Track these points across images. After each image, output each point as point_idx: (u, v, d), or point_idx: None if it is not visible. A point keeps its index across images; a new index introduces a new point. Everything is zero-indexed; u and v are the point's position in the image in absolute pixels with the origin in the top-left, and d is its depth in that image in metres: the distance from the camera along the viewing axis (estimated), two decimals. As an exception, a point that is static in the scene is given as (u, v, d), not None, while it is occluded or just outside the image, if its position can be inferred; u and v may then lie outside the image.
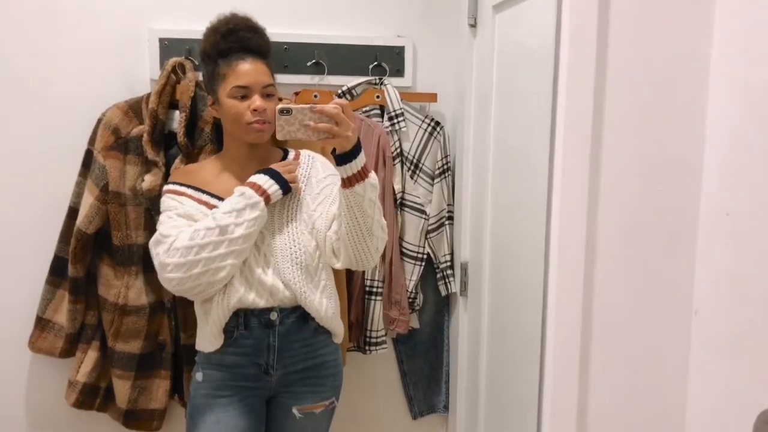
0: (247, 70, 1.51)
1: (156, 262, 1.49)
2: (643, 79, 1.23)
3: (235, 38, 1.52)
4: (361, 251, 1.50)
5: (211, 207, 1.52)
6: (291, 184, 1.53)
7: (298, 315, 1.55)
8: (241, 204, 1.46)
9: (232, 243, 1.45)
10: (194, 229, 1.46)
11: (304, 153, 1.65)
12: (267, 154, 1.61)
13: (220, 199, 1.52)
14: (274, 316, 1.52)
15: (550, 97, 1.33)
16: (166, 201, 1.56)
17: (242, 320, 1.52)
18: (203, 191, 1.55)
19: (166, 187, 1.59)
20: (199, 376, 1.57)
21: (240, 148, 1.57)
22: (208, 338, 1.54)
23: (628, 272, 1.27)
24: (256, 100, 1.50)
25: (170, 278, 1.46)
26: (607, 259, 1.27)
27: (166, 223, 1.51)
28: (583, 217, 1.26)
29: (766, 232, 1.03)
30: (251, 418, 1.55)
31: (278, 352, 1.54)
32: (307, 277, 1.54)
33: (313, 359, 1.59)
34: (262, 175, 1.51)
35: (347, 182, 1.41)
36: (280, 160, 1.62)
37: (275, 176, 1.52)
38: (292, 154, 1.64)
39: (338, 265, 1.55)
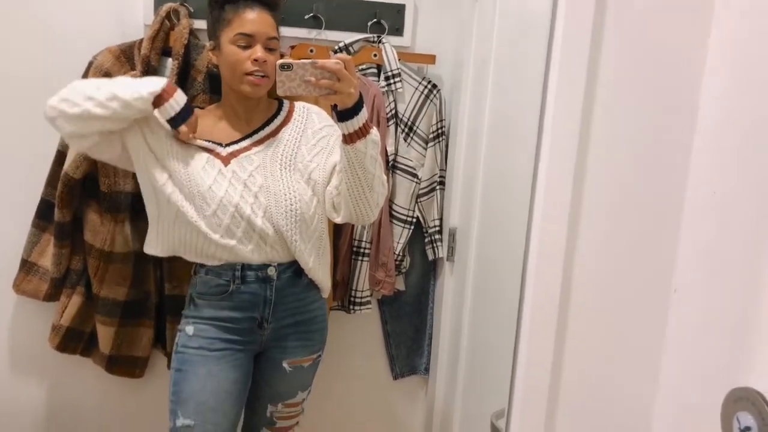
0: (254, 18, 1.49)
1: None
2: (639, 52, 1.22)
3: None
4: (362, 206, 1.50)
5: (210, 151, 1.52)
6: (182, 127, 1.47)
7: (294, 270, 1.56)
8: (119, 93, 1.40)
9: (94, 118, 1.40)
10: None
11: (299, 105, 1.64)
12: (263, 105, 1.60)
13: (219, 144, 1.53)
14: (272, 271, 1.53)
15: (543, 65, 1.32)
16: None
17: (239, 274, 1.52)
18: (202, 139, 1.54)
19: None
20: (189, 329, 1.56)
21: (237, 99, 1.56)
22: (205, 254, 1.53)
23: (610, 246, 1.27)
24: (258, 51, 1.48)
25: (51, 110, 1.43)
26: (590, 231, 1.27)
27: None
28: (568, 189, 1.25)
29: (750, 212, 1.03)
30: (242, 371, 1.57)
31: (273, 306, 1.55)
32: (303, 225, 1.53)
33: (303, 314, 1.61)
34: (181, 94, 1.46)
35: (348, 138, 1.40)
36: (276, 111, 1.61)
37: (186, 108, 1.47)
38: (287, 106, 1.63)
39: (338, 219, 1.56)
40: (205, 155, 1.51)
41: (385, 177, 1.52)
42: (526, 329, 1.34)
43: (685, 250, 1.23)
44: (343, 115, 1.38)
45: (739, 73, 1.12)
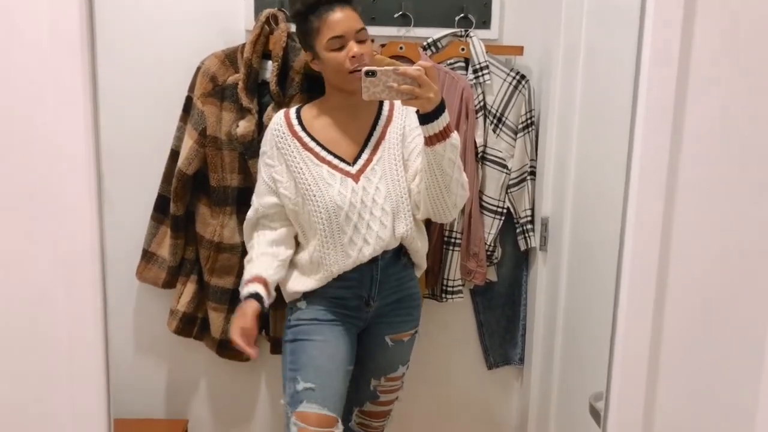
0: (339, 18, 1.56)
1: None
2: (734, 31, 1.19)
3: None
4: (439, 206, 1.58)
5: (316, 154, 1.62)
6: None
7: (394, 250, 1.66)
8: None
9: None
10: (250, 246, 1.71)
11: (398, 103, 1.71)
12: (363, 102, 1.63)
13: (348, 162, 1.63)
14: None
15: (635, 51, 1.31)
16: (271, 141, 1.65)
17: None
18: (314, 139, 1.64)
19: (290, 117, 1.68)
20: (301, 304, 1.68)
21: (341, 97, 1.65)
22: (315, 280, 1.66)
23: (709, 228, 1.24)
24: (353, 47, 1.56)
25: None
26: (688, 215, 1.24)
27: (258, 186, 1.71)
28: (663, 173, 1.24)
29: None
30: (351, 341, 1.68)
31: (379, 284, 1.65)
32: (414, 219, 1.65)
33: (403, 291, 1.71)
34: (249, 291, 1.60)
35: (428, 141, 1.48)
36: (377, 111, 1.69)
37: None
38: (387, 104, 1.71)
39: (419, 216, 1.66)
40: (338, 176, 1.61)
41: (465, 179, 1.58)
42: (623, 313, 1.33)
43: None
44: (423, 118, 1.45)
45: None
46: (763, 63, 1.19)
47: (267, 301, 1.60)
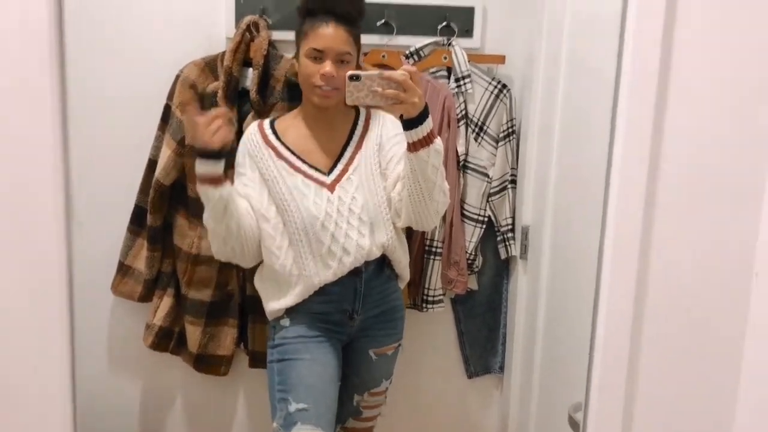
0: (326, 34, 1.54)
1: None
2: (714, 43, 1.21)
3: (322, 0, 1.55)
4: (421, 213, 1.56)
5: (290, 163, 1.60)
6: (214, 145, 1.43)
7: (377, 262, 1.64)
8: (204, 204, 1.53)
9: (216, 232, 1.56)
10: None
11: (375, 111, 1.70)
12: (342, 110, 1.65)
13: (323, 172, 1.61)
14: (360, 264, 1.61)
15: (615, 62, 1.32)
16: (243, 151, 1.62)
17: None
18: (289, 148, 1.62)
19: (264, 128, 1.64)
20: (285, 321, 1.64)
21: (313, 106, 1.62)
22: (295, 295, 1.61)
23: (687, 235, 1.26)
24: (327, 66, 1.54)
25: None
26: (666, 222, 1.26)
27: None
28: (642, 179, 1.26)
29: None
30: (337, 357, 1.65)
31: (363, 298, 1.63)
32: (395, 229, 1.64)
33: (387, 303, 1.69)
34: (197, 161, 1.47)
35: (412, 147, 1.46)
36: (353, 121, 1.67)
37: (202, 154, 1.46)
38: (364, 113, 1.69)
39: (399, 224, 1.64)
40: (313, 186, 1.58)
41: (447, 186, 1.58)
42: (602, 321, 1.34)
43: (766, 232, 1.21)
44: (408, 123, 1.45)
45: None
46: (742, 76, 1.21)
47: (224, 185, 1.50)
